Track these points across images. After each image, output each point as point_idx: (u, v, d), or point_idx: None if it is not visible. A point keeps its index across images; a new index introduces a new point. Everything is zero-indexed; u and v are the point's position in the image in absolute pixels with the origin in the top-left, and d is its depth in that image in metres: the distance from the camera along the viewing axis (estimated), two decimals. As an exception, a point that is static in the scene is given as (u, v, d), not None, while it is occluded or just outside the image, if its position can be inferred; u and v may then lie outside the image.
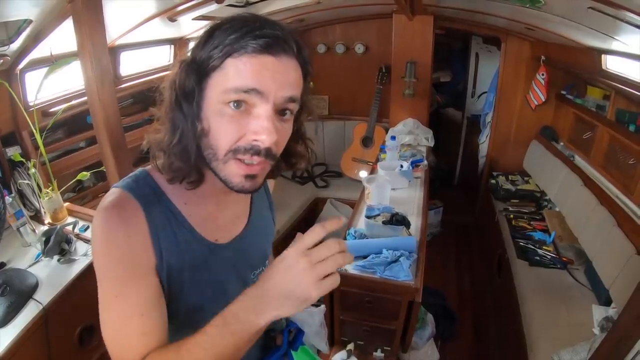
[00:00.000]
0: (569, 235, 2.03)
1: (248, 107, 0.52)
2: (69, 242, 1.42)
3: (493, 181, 2.80)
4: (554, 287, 1.84)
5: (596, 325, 1.54)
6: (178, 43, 2.24)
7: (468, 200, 3.54)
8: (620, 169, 1.87)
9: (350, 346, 1.55)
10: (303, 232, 0.50)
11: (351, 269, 1.45)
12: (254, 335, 0.51)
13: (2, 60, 1.39)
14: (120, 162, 1.41)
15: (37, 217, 1.62)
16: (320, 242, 0.50)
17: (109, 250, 0.54)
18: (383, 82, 2.97)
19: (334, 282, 0.49)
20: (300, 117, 0.63)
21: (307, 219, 2.97)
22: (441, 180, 3.72)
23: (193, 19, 1.91)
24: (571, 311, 1.68)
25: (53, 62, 1.53)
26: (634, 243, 1.47)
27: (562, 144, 2.53)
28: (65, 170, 1.79)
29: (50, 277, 1.33)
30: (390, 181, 1.92)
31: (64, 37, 1.37)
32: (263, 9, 2.15)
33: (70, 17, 1.22)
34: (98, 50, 1.25)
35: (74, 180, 1.72)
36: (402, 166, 2.12)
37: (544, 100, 2.54)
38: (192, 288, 0.62)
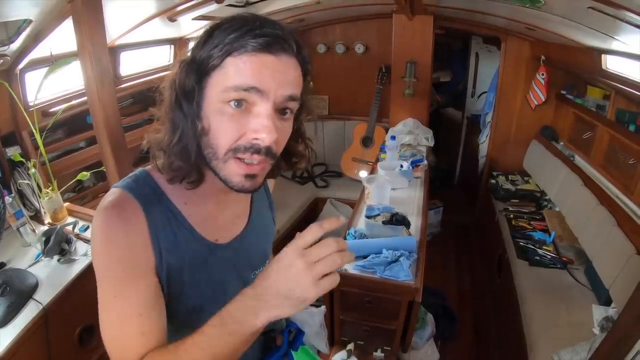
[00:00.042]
0: (569, 235, 2.03)
1: (248, 106, 0.52)
2: (69, 242, 1.42)
3: (493, 181, 2.80)
4: (554, 287, 1.84)
5: (596, 325, 1.54)
6: (178, 43, 2.24)
7: (468, 200, 3.54)
8: (620, 168, 1.87)
9: (350, 346, 1.55)
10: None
11: (351, 269, 1.45)
12: (252, 336, 0.50)
13: (2, 60, 1.39)
14: (120, 162, 1.41)
15: (37, 217, 1.62)
16: (320, 241, 0.49)
17: (108, 250, 0.54)
18: (383, 82, 2.97)
19: (332, 281, 0.48)
20: (300, 116, 0.63)
21: (307, 219, 2.97)
22: (441, 180, 3.72)
23: (193, 19, 1.91)
24: (571, 311, 1.68)
25: (53, 62, 1.53)
26: (634, 243, 1.47)
27: (562, 143, 2.53)
28: (65, 170, 1.79)
29: (50, 277, 1.33)
30: (390, 181, 1.92)
31: (64, 37, 1.37)
32: (263, 9, 2.15)
33: (70, 17, 1.22)
34: (98, 50, 1.25)
35: (74, 180, 1.72)
36: (402, 166, 2.12)
37: (544, 100, 2.54)
38: (192, 288, 0.62)
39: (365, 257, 1.47)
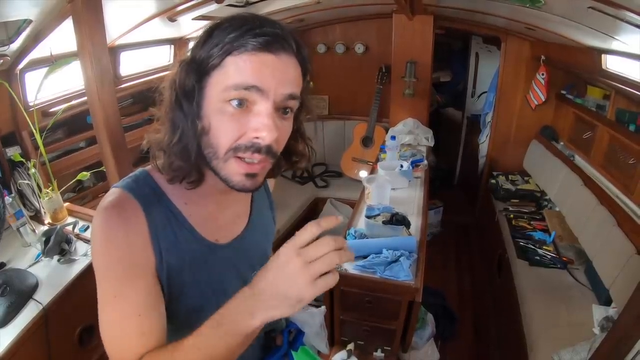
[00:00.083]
0: (569, 235, 2.03)
1: (249, 105, 0.52)
2: (69, 242, 1.42)
3: (493, 181, 2.80)
4: (554, 287, 1.84)
5: (596, 325, 1.54)
6: (178, 43, 2.24)
7: (468, 200, 3.54)
8: (620, 168, 1.87)
9: (351, 346, 1.55)
10: None
11: (351, 269, 1.45)
12: (249, 336, 0.50)
13: (2, 60, 1.39)
14: (120, 162, 1.41)
15: (37, 217, 1.62)
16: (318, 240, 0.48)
17: (108, 250, 0.54)
18: (383, 82, 2.97)
19: (329, 281, 0.47)
20: (299, 115, 0.63)
21: (307, 219, 2.93)
22: (441, 180, 3.72)
23: (193, 19, 1.91)
24: (571, 311, 1.68)
25: (53, 62, 1.53)
26: (634, 243, 1.47)
27: (562, 143, 2.53)
28: (65, 170, 1.79)
29: (50, 277, 1.33)
30: (390, 181, 1.92)
31: (64, 37, 1.37)
32: (263, 9, 2.15)
33: (70, 17, 1.22)
34: (98, 50, 1.25)
35: (74, 180, 1.72)
36: (402, 166, 2.12)
37: (544, 100, 2.54)
38: (192, 288, 0.62)
39: (365, 257, 1.47)
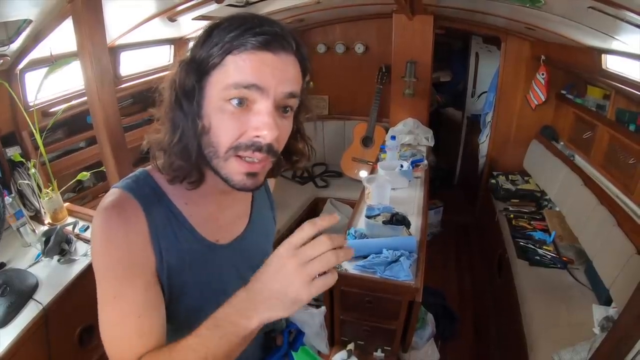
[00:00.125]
0: (569, 235, 2.03)
1: (249, 104, 0.52)
2: (69, 242, 1.42)
3: (493, 181, 2.80)
4: (554, 287, 1.84)
5: (596, 325, 1.54)
6: (178, 43, 2.24)
7: (468, 200, 3.54)
8: (620, 168, 1.87)
9: (351, 346, 1.55)
10: None
11: (351, 269, 1.45)
12: (247, 337, 0.50)
13: (2, 60, 1.39)
14: (120, 162, 1.41)
15: (37, 217, 1.62)
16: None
17: (108, 250, 0.54)
18: (383, 82, 2.97)
19: (327, 281, 0.46)
20: (299, 115, 0.63)
21: (307, 219, 2.93)
22: (441, 180, 3.72)
23: (193, 19, 1.91)
24: (571, 311, 1.68)
25: (53, 62, 1.52)
26: (634, 243, 1.47)
27: (562, 143, 2.53)
28: (65, 170, 1.79)
29: (50, 277, 1.33)
30: (390, 181, 1.92)
31: (63, 37, 1.37)
32: (263, 9, 2.15)
33: (70, 17, 1.22)
34: (98, 50, 1.25)
35: (74, 180, 1.72)
36: (402, 166, 2.12)
37: (544, 99, 2.54)
38: (192, 288, 0.62)
39: (365, 257, 1.47)
